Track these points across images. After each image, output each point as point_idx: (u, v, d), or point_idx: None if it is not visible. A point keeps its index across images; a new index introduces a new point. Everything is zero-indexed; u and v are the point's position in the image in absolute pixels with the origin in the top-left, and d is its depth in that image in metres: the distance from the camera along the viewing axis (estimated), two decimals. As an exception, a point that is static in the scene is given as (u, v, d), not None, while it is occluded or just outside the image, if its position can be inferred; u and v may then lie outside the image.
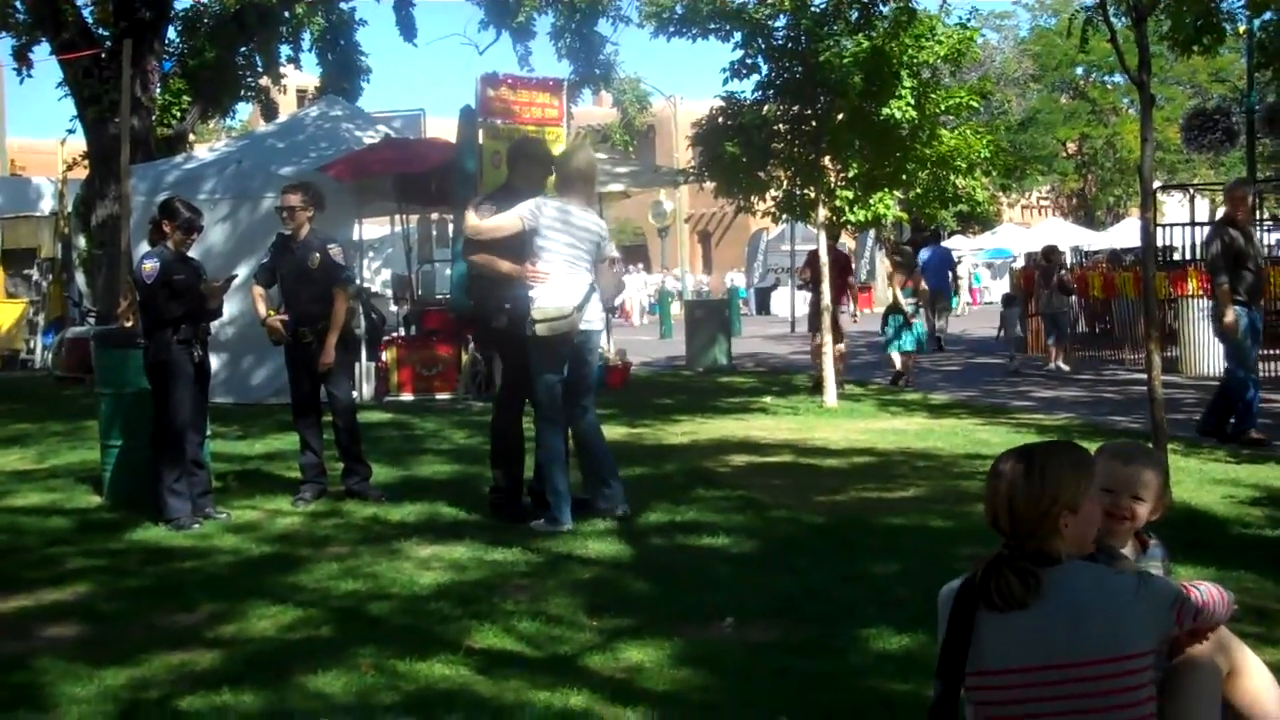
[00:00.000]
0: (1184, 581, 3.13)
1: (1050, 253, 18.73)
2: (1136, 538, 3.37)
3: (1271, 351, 16.11)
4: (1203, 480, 8.39)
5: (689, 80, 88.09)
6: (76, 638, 5.40)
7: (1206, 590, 3.02)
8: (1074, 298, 18.59)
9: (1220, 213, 12.57)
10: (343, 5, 23.55)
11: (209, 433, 8.54)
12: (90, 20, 20.59)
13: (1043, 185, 54.69)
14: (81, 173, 21.65)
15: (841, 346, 15.88)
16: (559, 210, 7.32)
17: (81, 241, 20.45)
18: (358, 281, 17.62)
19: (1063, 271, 18.69)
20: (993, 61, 48.18)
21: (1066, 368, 17.64)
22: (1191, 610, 2.88)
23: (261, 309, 8.52)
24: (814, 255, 14.68)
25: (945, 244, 21.81)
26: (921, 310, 17.38)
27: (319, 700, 4.52)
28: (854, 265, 30.26)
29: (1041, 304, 18.56)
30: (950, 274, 20.88)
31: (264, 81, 24.85)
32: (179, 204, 7.97)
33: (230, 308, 14.21)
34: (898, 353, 16.38)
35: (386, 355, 15.10)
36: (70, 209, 21.53)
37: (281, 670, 4.80)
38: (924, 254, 23.02)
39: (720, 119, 14.16)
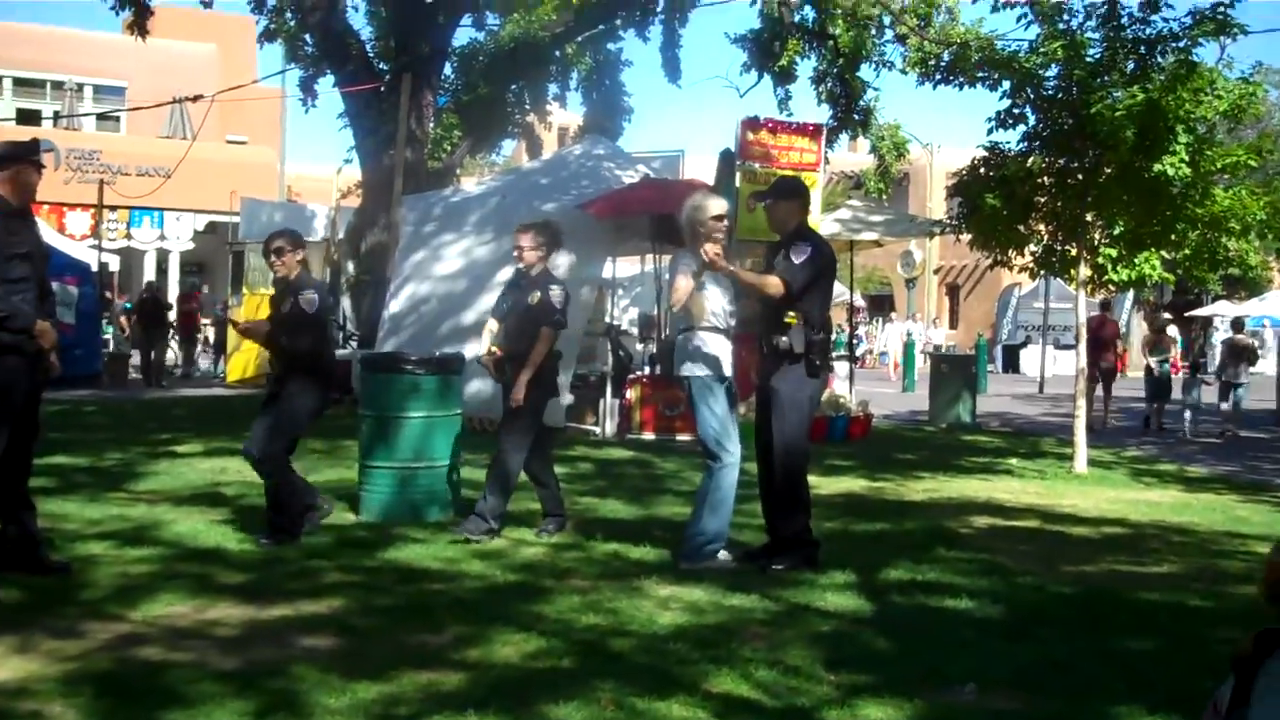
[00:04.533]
0: None
1: None
2: None
3: None
4: None
5: (941, 128, 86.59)
6: (331, 649, 5.62)
7: None
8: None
9: None
10: (610, 45, 24.14)
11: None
12: (371, 54, 21.64)
13: (1318, 251, 51.69)
14: (354, 201, 22.67)
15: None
16: None
17: (350, 267, 21.39)
18: (607, 319, 17.94)
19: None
20: (1271, 119, 45.93)
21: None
22: None
23: (485, 341, 8.62)
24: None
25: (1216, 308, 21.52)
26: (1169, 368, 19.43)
27: (559, 731, 4.60)
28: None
29: None
30: None
31: (529, 118, 25.64)
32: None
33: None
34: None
35: (631, 393, 15.30)
36: (342, 235, 22.56)
37: (524, 698, 4.89)
38: None
39: (982, 169, 13.85)
